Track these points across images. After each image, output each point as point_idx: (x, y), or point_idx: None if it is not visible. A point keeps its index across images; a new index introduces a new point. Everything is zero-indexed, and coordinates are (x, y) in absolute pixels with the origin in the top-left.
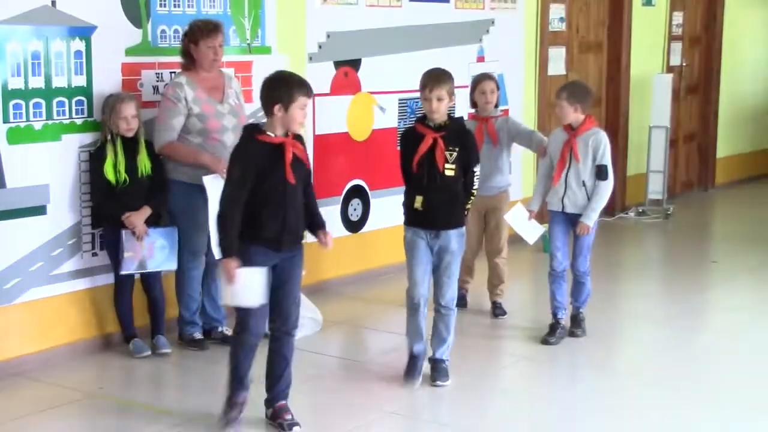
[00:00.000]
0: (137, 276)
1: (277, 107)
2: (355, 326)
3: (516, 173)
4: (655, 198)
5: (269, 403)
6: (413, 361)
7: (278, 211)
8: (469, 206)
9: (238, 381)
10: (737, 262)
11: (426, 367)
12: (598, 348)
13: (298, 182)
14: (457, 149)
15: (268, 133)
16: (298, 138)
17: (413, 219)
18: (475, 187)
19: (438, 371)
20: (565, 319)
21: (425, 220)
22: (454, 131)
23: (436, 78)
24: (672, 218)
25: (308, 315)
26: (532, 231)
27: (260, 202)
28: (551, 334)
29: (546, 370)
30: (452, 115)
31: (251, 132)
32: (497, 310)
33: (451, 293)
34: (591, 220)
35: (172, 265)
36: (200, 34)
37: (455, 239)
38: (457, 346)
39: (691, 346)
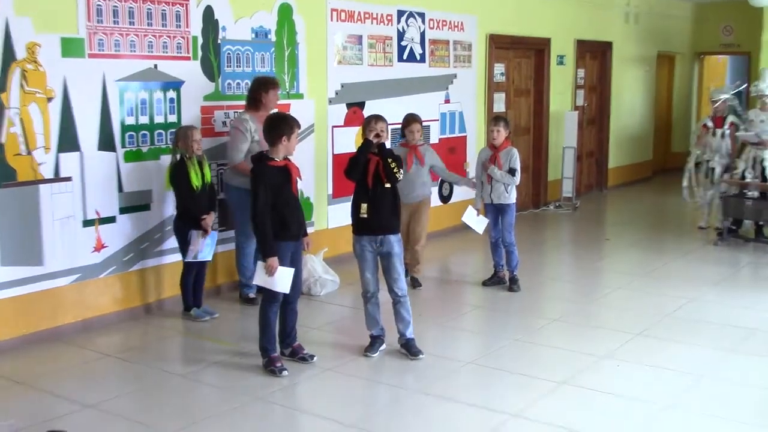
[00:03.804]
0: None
1: (283, 138)
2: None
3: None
4: (567, 196)
5: (287, 346)
6: (372, 340)
7: (294, 213)
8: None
9: (270, 334)
10: (623, 239)
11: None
12: (529, 299)
13: (297, 193)
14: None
15: (275, 158)
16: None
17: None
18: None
19: (414, 348)
20: (502, 272)
21: (369, 227)
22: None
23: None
24: (579, 210)
25: (329, 278)
26: (480, 224)
27: (282, 209)
28: (490, 279)
29: (493, 315)
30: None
31: (262, 159)
32: (415, 283)
33: (401, 284)
34: (509, 184)
35: (209, 257)
36: (272, 85)
37: (396, 244)
38: (423, 300)
39: (592, 296)
